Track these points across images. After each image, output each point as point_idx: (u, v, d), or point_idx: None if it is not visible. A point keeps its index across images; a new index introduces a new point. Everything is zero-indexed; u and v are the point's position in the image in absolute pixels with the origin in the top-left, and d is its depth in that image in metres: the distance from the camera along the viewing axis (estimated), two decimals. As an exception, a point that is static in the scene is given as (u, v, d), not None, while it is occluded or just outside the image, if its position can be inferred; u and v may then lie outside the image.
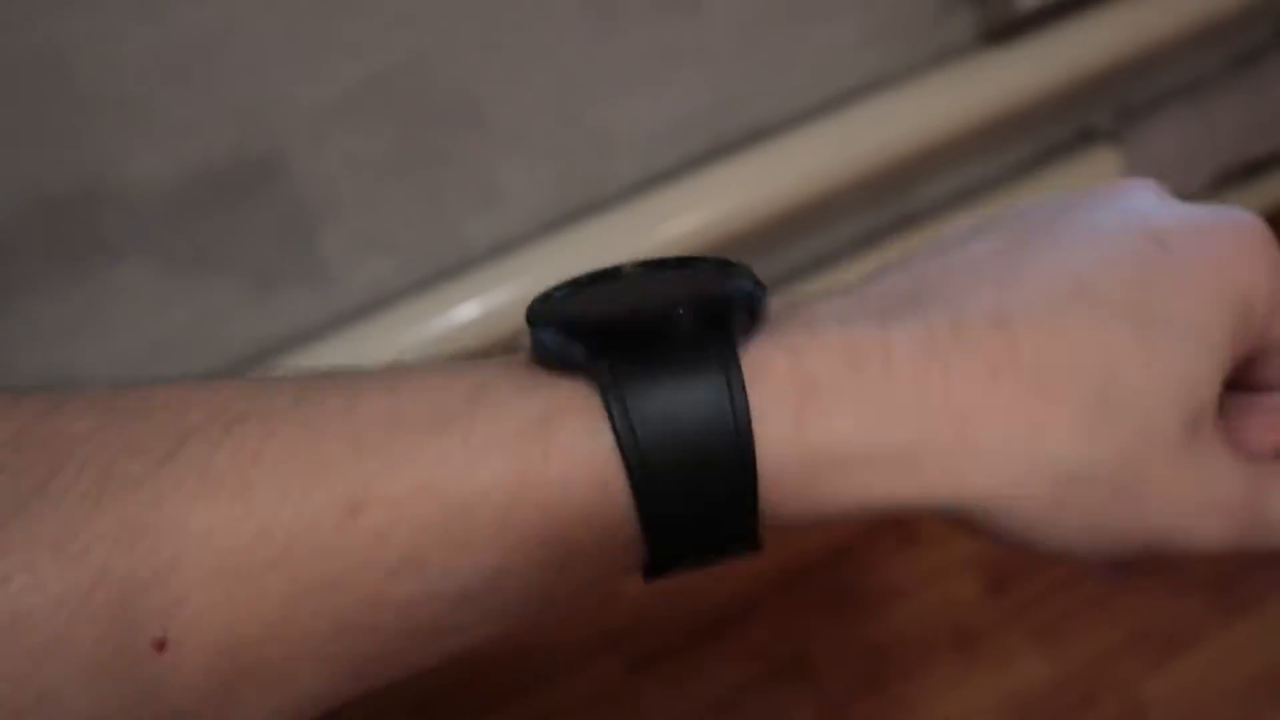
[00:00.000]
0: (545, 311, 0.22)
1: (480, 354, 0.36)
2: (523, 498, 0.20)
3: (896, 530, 0.71)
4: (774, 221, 0.55)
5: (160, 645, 0.18)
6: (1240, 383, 0.24)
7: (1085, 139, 0.68)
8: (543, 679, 0.70)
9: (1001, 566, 0.70)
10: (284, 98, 0.43)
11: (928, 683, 0.69)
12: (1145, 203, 0.24)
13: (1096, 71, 0.58)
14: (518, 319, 0.23)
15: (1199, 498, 0.22)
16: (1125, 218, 0.23)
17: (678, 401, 0.20)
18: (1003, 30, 0.57)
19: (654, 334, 0.21)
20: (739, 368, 0.20)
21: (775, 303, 0.23)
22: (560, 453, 0.20)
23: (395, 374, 0.22)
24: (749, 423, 0.20)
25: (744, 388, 0.20)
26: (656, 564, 0.22)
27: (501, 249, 0.51)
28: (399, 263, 0.50)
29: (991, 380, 0.21)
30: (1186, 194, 0.35)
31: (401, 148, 0.47)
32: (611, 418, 0.20)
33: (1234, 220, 0.23)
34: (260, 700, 0.19)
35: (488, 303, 0.50)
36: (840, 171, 0.56)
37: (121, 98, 0.40)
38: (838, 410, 0.21)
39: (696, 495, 0.20)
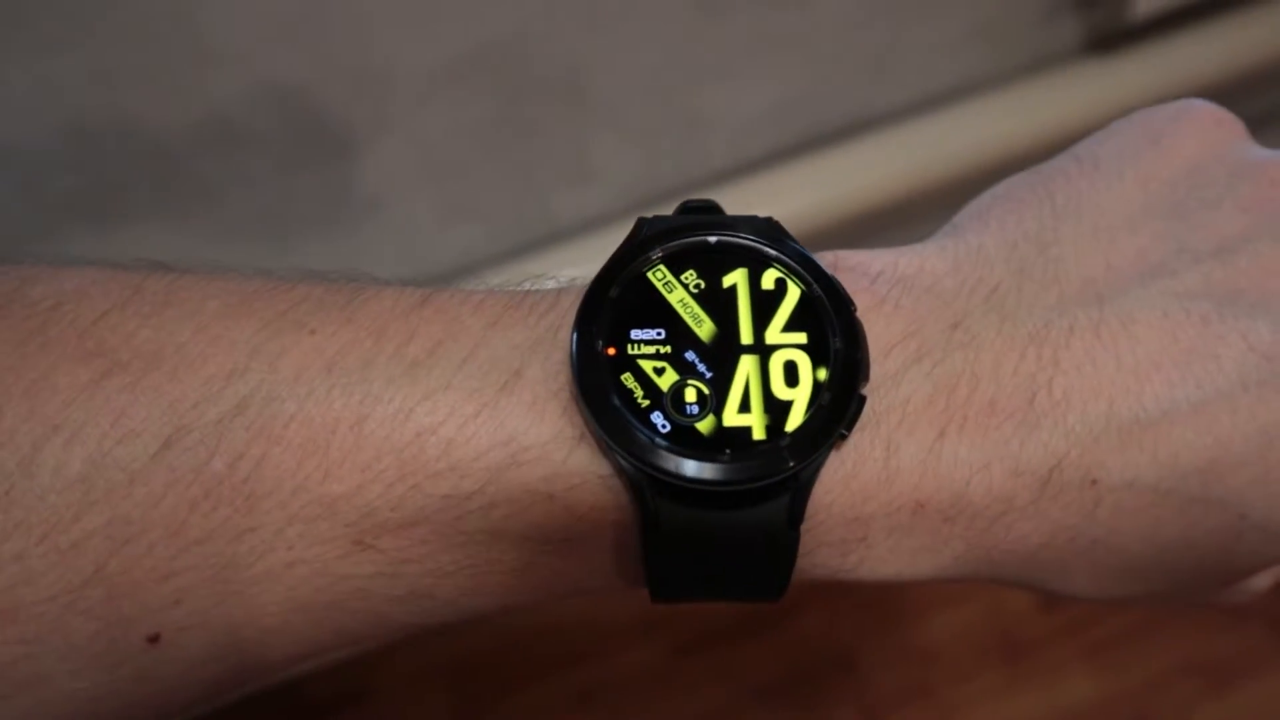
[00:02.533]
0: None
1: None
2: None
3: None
4: (857, 219, 0.54)
5: (154, 639, 0.17)
6: None
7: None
8: (588, 656, 0.70)
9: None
10: (389, 62, 0.44)
11: (973, 691, 0.69)
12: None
13: (1206, 86, 0.57)
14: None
15: None
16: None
17: None
18: (1112, 38, 0.56)
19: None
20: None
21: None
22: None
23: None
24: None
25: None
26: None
27: (589, 225, 0.52)
28: (488, 231, 0.51)
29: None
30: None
31: (499, 118, 0.47)
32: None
33: None
34: (260, 675, 0.19)
35: (571, 277, 0.50)
36: (929, 173, 0.55)
37: (237, 53, 0.41)
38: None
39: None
